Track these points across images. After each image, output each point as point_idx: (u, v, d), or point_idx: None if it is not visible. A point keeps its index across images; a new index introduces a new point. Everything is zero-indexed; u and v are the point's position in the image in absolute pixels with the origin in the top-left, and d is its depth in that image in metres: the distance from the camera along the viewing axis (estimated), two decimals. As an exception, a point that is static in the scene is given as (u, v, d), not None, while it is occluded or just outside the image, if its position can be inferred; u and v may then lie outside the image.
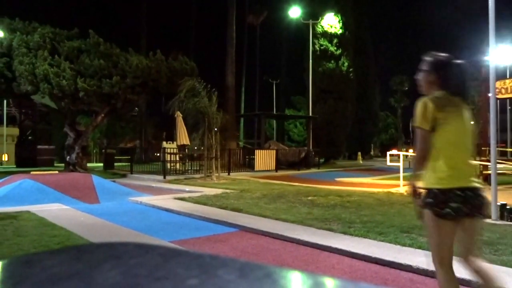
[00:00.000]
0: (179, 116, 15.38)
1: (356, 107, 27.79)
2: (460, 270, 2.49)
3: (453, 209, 2.33)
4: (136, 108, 28.81)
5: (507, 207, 6.09)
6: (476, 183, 2.44)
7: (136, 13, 31.50)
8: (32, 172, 10.28)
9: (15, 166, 21.08)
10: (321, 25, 25.73)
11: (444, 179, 2.36)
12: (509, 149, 21.70)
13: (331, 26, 25.90)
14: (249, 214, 6.62)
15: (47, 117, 24.95)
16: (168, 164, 14.66)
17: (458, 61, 2.62)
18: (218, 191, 9.93)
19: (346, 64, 25.79)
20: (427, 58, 2.68)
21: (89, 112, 17.47)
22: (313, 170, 18.97)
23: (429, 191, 2.41)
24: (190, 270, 0.37)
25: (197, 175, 14.33)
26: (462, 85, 2.59)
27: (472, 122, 2.61)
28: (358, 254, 4.25)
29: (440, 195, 2.36)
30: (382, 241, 4.71)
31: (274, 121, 33.99)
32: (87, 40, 14.79)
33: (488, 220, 6.04)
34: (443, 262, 2.45)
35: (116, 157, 19.53)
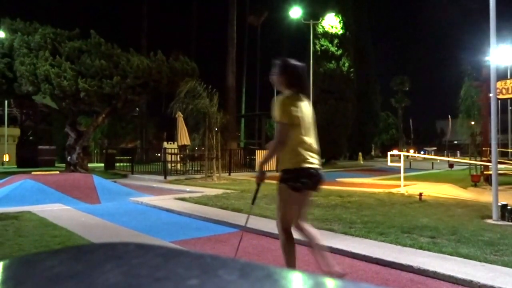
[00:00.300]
0: (180, 116, 15.39)
1: (357, 108, 27.79)
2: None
3: (303, 183, 3.00)
4: (137, 109, 28.85)
5: (508, 207, 6.08)
6: (318, 164, 3.14)
7: (137, 13, 31.54)
8: (33, 173, 10.29)
9: (16, 167, 21.10)
10: (321, 26, 25.73)
11: (299, 161, 3.01)
12: (510, 150, 21.68)
13: (332, 27, 25.90)
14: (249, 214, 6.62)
15: (48, 118, 25.01)
16: (169, 165, 14.66)
17: (300, 64, 3.19)
18: (219, 191, 9.93)
19: (346, 64, 25.79)
20: (277, 62, 3.21)
21: (90, 112, 17.48)
22: (313, 170, 18.94)
23: (287, 170, 3.04)
24: (191, 271, 0.37)
25: (198, 176, 14.34)
26: (303, 84, 3.20)
27: (311, 112, 3.24)
28: (359, 255, 4.24)
29: (295, 173, 3.00)
30: (383, 241, 4.70)
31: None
32: (88, 41, 14.80)
33: (489, 221, 6.04)
34: (288, 227, 3.14)
35: (117, 158, 19.54)
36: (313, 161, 3.07)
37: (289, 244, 3.14)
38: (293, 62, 3.19)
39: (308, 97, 3.22)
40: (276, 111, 3.01)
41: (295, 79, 3.12)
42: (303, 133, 3.06)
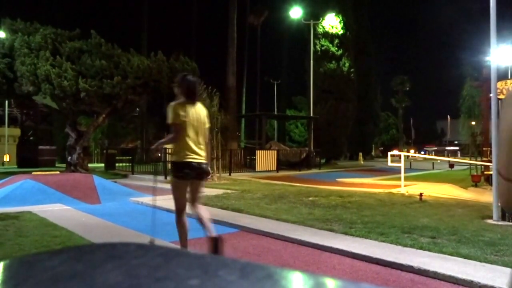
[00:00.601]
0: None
1: (357, 108, 27.79)
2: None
3: (186, 173, 3.78)
4: (137, 109, 28.85)
5: (509, 207, 6.07)
6: (203, 159, 3.87)
7: (138, 13, 31.58)
8: (33, 173, 10.30)
9: (16, 167, 21.11)
10: (322, 26, 25.73)
11: (183, 156, 3.77)
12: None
13: (332, 27, 25.91)
14: (250, 214, 6.62)
15: (49, 118, 25.02)
16: (169, 165, 14.66)
17: (193, 79, 4.05)
18: (219, 191, 9.93)
19: (347, 64, 25.80)
20: (178, 77, 4.10)
21: (90, 112, 17.47)
22: (314, 170, 18.97)
23: (173, 162, 3.85)
24: (191, 271, 0.37)
25: (198, 176, 14.33)
26: (193, 94, 3.98)
27: (206, 117, 4.03)
28: (359, 255, 4.24)
29: (179, 165, 3.79)
30: (383, 241, 4.70)
31: (275, 121, 34.00)
32: (89, 41, 14.81)
33: (489, 221, 6.04)
34: (180, 208, 3.92)
35: (117, 158, 19.55)
36: (196, 156, 3.83)
37: (181, 222, 3.98)
38: (188, 77, 4.06)
39: (199, 103, 4.06)
40: (168, 114, 3.83)
41: (187, 90, 3.93)
42: (189, 132, 3.80)
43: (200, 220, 3.94)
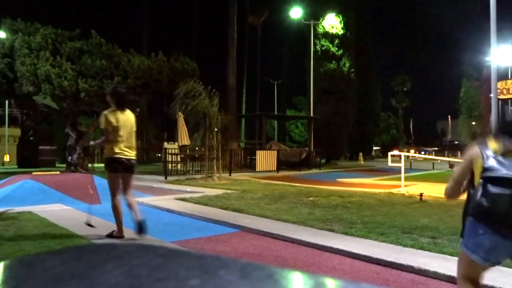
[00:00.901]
0: (180, 116, 15.38)
1: (357, 108, 27.79)
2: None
3: (116, 167, 4.75)
4: (138, 109, 28.82)
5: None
6: (132, 156, 4.84)
7: (138, 13, 31.59)
8: (33, 173, 10.29)
9: (17, 167, 21.11)
10: (322, 26, 25.73)
11: (113, 153, 4.69)
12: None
13: (332, 27, 25.90)
14: (250, 214, 6.62)
15: (49, 118, 25.01)
16: (170, 165, 14.66)
17: (122, 90, 4.96)
18: (219, 191, 9.93)
19: (347, 64, 25.79)
20: (109, 88, 5.12)
21: (90, 112, 17.46)
22: (314, 170, 18.96)
23: (106, 158, 4.79)
24: (191, 271, 0.37)
25: (198, 176, 14.34)
26: (123, 103, 4.84)
27: (133, 122, 4.93)
28: (360, 255, 4.24)
29: (110, 160, 4.73)
30: (384, 241, 4.70)
31: (275, 121, 34.01)
32: (89, 41, 14.81)
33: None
34: (114, 194, 4.81)
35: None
36: (125, 153, 4.75)
37: (116, 205, 4.81)
38: (118, 89, 4.97)
39: (128, 110, 4.96)
40: (102, 120, 4.74)
41: (117, 100, 4.81)
42: (120, 135, 4.70)
43: (129, 205, 4.81)
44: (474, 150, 2.17)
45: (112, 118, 4.68)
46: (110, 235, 4.94)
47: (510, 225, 1.98)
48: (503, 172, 1.97)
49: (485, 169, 2.03)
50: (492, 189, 1.98)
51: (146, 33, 29.74)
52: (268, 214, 6.58)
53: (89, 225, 5.09)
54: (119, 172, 4.78)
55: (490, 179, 2.00)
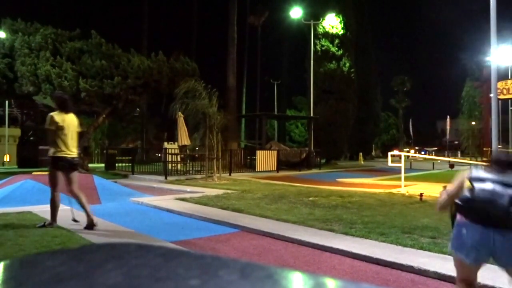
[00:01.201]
0: (180, 116, 15.38)
1: (357, 108, 27.77)
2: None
3: (60, 165, 5.25)
4: (138, 109, 28.83)
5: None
6: (74, 155, 5.35)
7: (138, 13, 31.57)
8: (33, 173, 10.29)
9: (17, 167, 21.11)
10: (322, 26, 25.72)
11: (57, 151, 5.21)
12: (510, 150, 21.66)
13: (332, 27, 25.88)
14: (250, 214, 6.62)
15: (49, 118, 24.93)
16: (170, 165, 14.66)
17: (65, 96, 5.67)
18: (219, 191, 9.93)
19: (347, 64, 25.78)
20: (53, 94, 6.12)
21: (90, 112, 17.49)
22: (314, 170, 18.96)
23: (52, 157, 5.24)
24: (192, 271, 0.37)
25: (198, 176, 14.33)
26: (67, 107, 5.41)
27: (77, 124, 5.49)
28: (360, 255, 4.24)
29: (54, 159, 5.23)
30: (384, 241, 4.70)
31: (275, 121, 34.01)
32: (89, 41, 14.81)
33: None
34: (54, 188, 5.37)
35: (117, 158, 19.53)
36: (68, 152, 5.27)
37: (55, 200, 5.41)
38: (61, 95, 5.76)
39: (70, 112, 5.47)
40: (47, 121, 5.23)
41: (61, 104, 5.40)
42: (64, 135, 5.22)
43: (76, 199, 5.42)
44: (465, 173, 2.59)
45: (58, 119, 5.23)
46: (42, 226, 5.38)
47: (488, 215, 2.26)
48: (488, 175, 2.36)
49: (472, 177, 2.42)
50: (476, 185, 2.33)
51: (146, 33, 29.71)
52: (268, 214, 6.58)
53: (75, 220, 5.50)
54: (62, 170, 5.29)
55: (476, 179, 2.38)
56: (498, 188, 2.26)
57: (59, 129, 5.18)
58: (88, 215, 5.27)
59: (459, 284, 2.50)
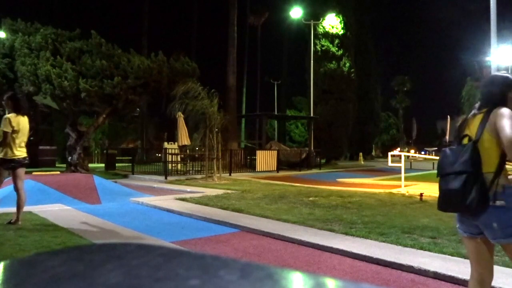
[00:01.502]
0: (180, 116, 15.39)
1: (358, 108, 27.78)
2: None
3: (11, 166, 5.39)
4: (138, 109, 28.85)
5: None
6: (24, 155, 5.48)
7: (138, 13, 31.58)
8: (33, 173, 10.29)
9: (16, 167, 21.07)
10: (322, 26, 25.72)
11: (7, 152, 5.31)
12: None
13: (333, 27, 25.89)
14: (250, 214, 6.62)
15: (49, 118, 24.98)
16: (170, 165, 14.66)
17: (18, 97, 5.66)
18: (219, 191, 9.93)
19: (347, 64, 25.78)
20: (6, 96, 5.55)
21: (90, 112, 17.46)
22: (314, 170, 18.96)
23: (3, 158, 5.31)
24: (192, 271, 0.37)
25: (198, 176, 14.34)
26: (22, 109, 5.47)
27: (28, 127, 5.56)
28: (360, 255, 4.24)
29: (6, 161, 5.33)
30: (384, 241, 4.70)
31: (275, 121, 34.02)
32: (89, 41, 14.80)
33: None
34: (22, 185, 5.60)
35: (117, 158, 19.55)
36: (18, 154, 5.39)
37: (23, 193, 5.62)
38: (14, 95, 5.68)
39: (24, 115, 5.55)
40: (2, 124, 5.28)
41: (16, 106, 5.41)
42: (17, 138, 5.35)
43: (17, 195, 5.56)
44: None
45: (14, 123, 5.32)
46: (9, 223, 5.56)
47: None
48: None
49: None
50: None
51: (146, 33, 29.72)
52: (268, 214, 6.58)
53: (10, 222, 5.55)
54: (9, 170, 5.50)
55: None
56: None
57: (13, 133, 5.30)
58: (17, 216, 5.48)
59: (470, 264, 2.52)
